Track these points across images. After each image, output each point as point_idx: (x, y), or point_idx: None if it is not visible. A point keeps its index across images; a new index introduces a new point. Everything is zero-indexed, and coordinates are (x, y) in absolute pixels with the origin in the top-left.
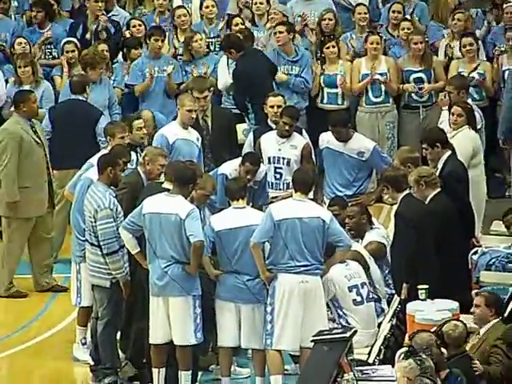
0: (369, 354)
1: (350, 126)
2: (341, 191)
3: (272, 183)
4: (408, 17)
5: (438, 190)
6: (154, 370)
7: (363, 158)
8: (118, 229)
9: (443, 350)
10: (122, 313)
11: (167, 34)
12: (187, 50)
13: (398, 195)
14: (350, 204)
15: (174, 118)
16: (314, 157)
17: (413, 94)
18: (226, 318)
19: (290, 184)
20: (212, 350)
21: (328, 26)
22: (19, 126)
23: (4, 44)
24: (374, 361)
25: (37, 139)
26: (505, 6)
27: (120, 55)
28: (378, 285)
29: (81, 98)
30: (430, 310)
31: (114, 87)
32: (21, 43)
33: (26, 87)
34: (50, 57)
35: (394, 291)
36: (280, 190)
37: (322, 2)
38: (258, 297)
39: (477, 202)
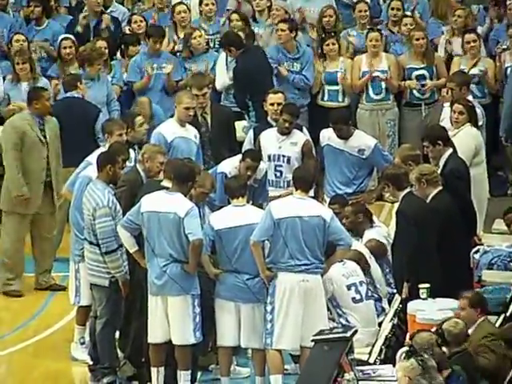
0: (370, 353)
1: (350, 124)
2: (341, 189)
3: (272, 181)
4: (409, 13)
5: (440, 188)
6: (153, 370)
7: (364, 156)
8: (116, 227)
9: (444, 348)
10: (120, 312)
11: (167, 29)
12: (186, 46)
13: (399, 193)
14: (350, 202)
15: (172, 115)
16: (314, 154)
17: (415, 92)
18: (225, 317)
19: (291, 182)
20: (211, 350)
21: (329, 23)
22: (25, 122)
23: (1, 41)
24: (374, 360)
25: (41, 138)
26: (508, 2)
27: (118, 52)
28: (378, 284)
29: (76, 95)
30: (431, 310)
31: (113, 84)
32: (19, 40)
33: (24, 84)
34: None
35: (395, 290)
36: (280, 187)
37: None
38: (258, 296)
39: (479, 200)
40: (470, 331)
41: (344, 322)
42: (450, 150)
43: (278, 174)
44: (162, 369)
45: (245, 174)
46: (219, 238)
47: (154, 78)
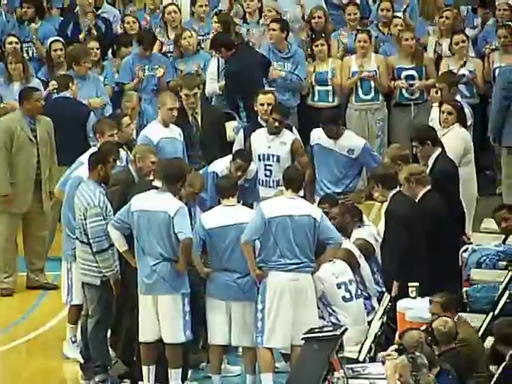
0: (359, 351)
1: (340, 124)
2: (330, 188)
3: (262, 180)
4: (400, 14)
5: (429, 187)
6: (144, 368)
7: (353, 156)
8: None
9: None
10: (112, 311)
11: (158, 30)
12: (177, 46)
13: (388, 193)
14: (340, 202)
15: None
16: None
17: (404, 92)
18: (216, 315)
19: (280, 181)
20: (203, 348)
21: (318, 24)
22: (15, 121)
23: None
24: (364, 359)
25: (32, 137)
26: (497, 2)
27: (110, 52)
28: (368, 282)
29: (68, 95)
30: (420, 308)
31: (105, 85)
32: (11, 42)
33: (17, 84)
34: (37, 55)
35: (384, 289)
36: (270, 187)
37: None
38: (249, 295)
39: (467, 199)
40: None
41: (334, 320)
42: (439, 150)
43: (268, 173)
44: (153, 367)
45: (235, 174)
46: (210, 237)
47: (146, 80)
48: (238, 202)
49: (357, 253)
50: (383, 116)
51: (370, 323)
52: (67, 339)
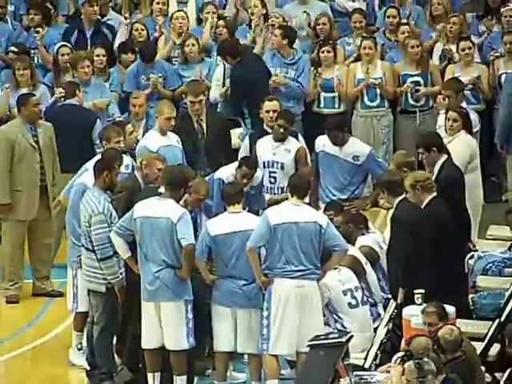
0: (365, 358)
1: (346, 130)
2: (335, 195)
3: (267, 187)
4: (405, 20)
5: (434, 194)
6: (149, 375)
7: (358, 162)
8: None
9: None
10: (117, 318)
11: (163, 37)
12: (182, 53)
13: (394, 200)
14: (345, 208)
15: None
16: (309, 161)
17: (409, 99)
18: (222, 322)
19: (285, 188)
20: (208, 355)
21: (323, 31)
22: (16, 129)
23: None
24: (370, 366)
25: (33, 144)
26: (503, 9)
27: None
28: (374, 289)
29: (74, 102)
30: None
31: (112, 91)
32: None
33: (24, 90)
34: (42, 61)
35: (389, 296)
36: (275, 194)
37: (317, 5)
38: (254, 301)
39: (473, 206)
40: None
41: (340, 327)
42: (445, 157)
43: (273, 180)
44: (158, 374)
45: (241, 181)
46: (216, 244)
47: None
48: (244, 208)
49: (363, 260)
50: (389, 123)
51: (375, 330)
52: (73, 346)
